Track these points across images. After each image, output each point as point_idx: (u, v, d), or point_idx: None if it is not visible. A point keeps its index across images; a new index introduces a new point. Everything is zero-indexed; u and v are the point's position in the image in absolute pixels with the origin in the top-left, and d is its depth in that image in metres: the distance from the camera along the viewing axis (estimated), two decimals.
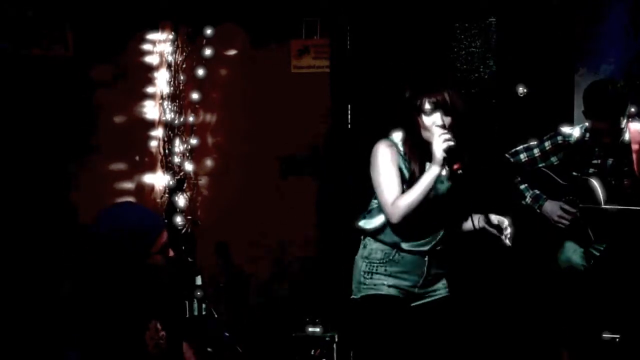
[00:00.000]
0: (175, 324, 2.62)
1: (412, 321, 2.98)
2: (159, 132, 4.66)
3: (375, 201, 2.97)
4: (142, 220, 2.44)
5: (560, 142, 3.68)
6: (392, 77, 4.42)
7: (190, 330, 4.29)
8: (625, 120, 3.45)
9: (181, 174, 4.64)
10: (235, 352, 4.33)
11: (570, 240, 3.65)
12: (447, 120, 2.84)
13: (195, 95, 4.65)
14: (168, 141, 4.62)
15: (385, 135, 2.97)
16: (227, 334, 4.35)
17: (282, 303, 4.64)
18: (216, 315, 4.48)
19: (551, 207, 3.64)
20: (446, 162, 2.79)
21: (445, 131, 2.80)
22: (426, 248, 2.97)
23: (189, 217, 4.64)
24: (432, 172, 2.81)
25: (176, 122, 4.63)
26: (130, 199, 4.58)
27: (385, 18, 4.50)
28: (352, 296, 3.05)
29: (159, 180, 4.66)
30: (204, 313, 4.47)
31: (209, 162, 4.77)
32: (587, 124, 3.61)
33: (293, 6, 4.61)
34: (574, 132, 3.66)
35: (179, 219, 4.56)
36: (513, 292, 4.20)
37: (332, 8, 4.59)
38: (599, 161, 3.57)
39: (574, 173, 3.61)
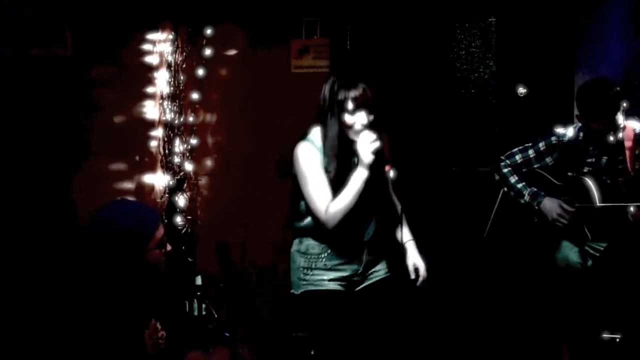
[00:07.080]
0: (175, 322, 2.62)
1: (354, 307, 2.98)
2: (159, 132, 4.65)
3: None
4: (136, 216, 2.43)
5: (554, 142, 3.69)
6: (392, 77, 4.42)
7: (190, 330, 4.29)
8: (622, 117, 3.45)
9: (181, 174, 4.64)
10: (235, 352, 4.32)
11: (567, 239, 3.66)
12: (371, 118, 2.84)
13: (195, 95, 4.65)
14: (168, 141, 4.62)
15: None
16: (227, 334, 4.35)
17: (282, 303, 4.64)
18: (216, 315, 4.47)
19: (550, 204, 3.64)
20: (374, 162, 2.78)
21: (370, 132, 2.78)
22: (362, 239, 2.97)
23: (189, 217, 4.64)
24: (361, 175, 2.80)
25: (176, 122, 4.62)
26: (130, 199, 4.58)
27: (385, 18, 4.50)
28: (292, 291, 3.03)
29: (159, 180, 4.65)
30: (204, 313, 4.47)
31: (209, 162, 4.77)
32: (579, 124, 3.61)
33: (293, 6, 4.61)
34: (568, 132, 3.66)
35: (179, 219, 4.56)
36: (512, 291, 4.20)
37: (332, 8, 4.59)
38: (593, 160, 3.57)
39: (569, 173, 3.62)
